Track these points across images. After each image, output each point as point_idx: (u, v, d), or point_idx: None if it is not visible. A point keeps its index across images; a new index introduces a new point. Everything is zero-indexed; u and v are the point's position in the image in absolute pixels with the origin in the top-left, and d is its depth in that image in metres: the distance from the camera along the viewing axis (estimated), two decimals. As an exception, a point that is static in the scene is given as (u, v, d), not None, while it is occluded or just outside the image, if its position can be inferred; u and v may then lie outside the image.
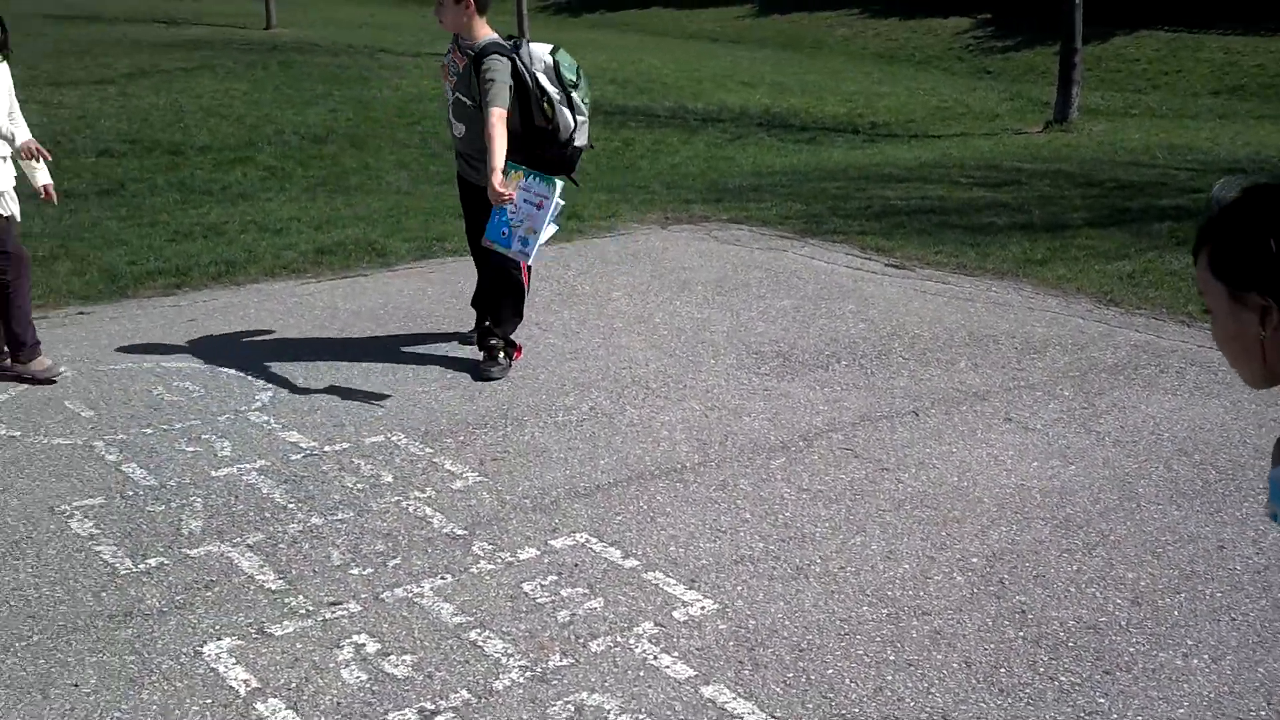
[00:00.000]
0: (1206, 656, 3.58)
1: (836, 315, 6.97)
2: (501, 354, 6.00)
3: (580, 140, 5.95)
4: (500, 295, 6.02)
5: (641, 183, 11.19)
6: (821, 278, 7.80)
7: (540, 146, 5.82)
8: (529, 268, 6.03)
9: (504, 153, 5.47)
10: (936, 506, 4.55)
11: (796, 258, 8.34)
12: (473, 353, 6.18)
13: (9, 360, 5.76)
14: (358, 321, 6.74)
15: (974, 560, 4.15)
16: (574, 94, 5.86)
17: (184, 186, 11.09)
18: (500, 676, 3.44)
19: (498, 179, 5.41)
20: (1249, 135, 14.20)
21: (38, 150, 5.70)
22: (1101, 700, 3.36)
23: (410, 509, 4.48)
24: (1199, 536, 4.32)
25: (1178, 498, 4.63)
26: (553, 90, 5.81)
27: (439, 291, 7.39)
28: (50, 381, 5.69)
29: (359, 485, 4.67)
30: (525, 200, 5.49)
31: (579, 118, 5.91)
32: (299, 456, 4.93)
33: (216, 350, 6.22)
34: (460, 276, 7.73)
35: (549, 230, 5.55)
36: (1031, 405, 5.58)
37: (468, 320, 6.75)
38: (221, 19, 27.05)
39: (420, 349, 6.30)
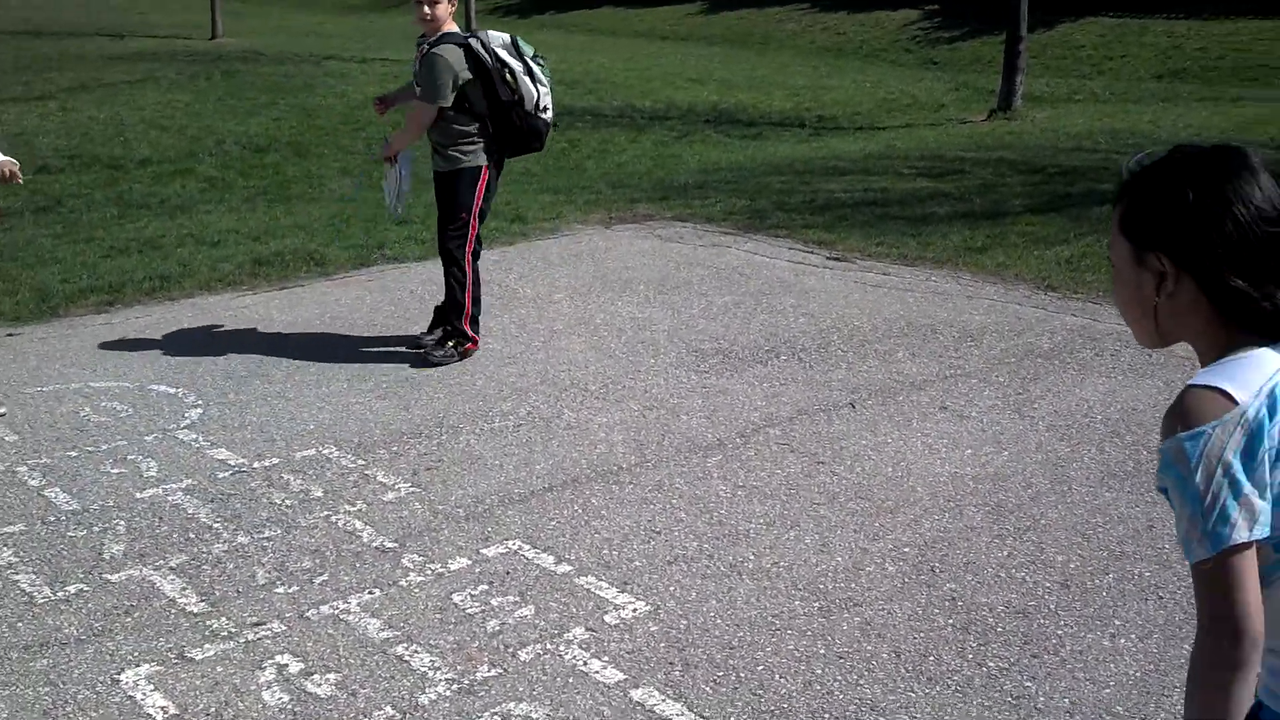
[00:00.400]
0: (1134, 636, 3.58)
1: (777, 310, 6.96)
2: (450, 343, 6.19)
3: (547, 111, 6.25)
4: (448, 283, 6.26)
5: (587, 183, 11.14)
6: (763, 273, 7.79)
7: (509, 121, 6.11)
8: (473, 259, 6.26)
9: (410, 138, 6.27)
10: (870, 498, 4.54)
11: (739, 254, 8.32)
12: (408, 359, 6.14)
13: None
14: (293, 333, 6.67)
15: (906, 550, 4.14)
16: (534, 66, 6.15)
17: (122, 201, 10.93)
18: (426, 690, 3.39)
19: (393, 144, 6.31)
20: (1191, 117, 14.31)
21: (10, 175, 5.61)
22: (1029, 684, 3.36)
23: (340, 523, 4.42)
24: (1129, 517, 4.32)
25: (1109, 480, 4.63)
26: (514, 62, 6.11)
27: (377, 300, 7.32)
28: None
29: (288, 501, 4.61)
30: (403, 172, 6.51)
31: (541, 88, 6.18)
32: (227, 474, 4.86)
33: (147, 368, 6.14)
34: (400, 283, 7.67)
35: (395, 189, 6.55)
36: (967, 393, 5.58)
37: (406, 327, 6.70)
38: (167, 30, 26.79)
39: (356, 359, 6.23)
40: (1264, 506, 1.63)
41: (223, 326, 6.83)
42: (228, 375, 6.01)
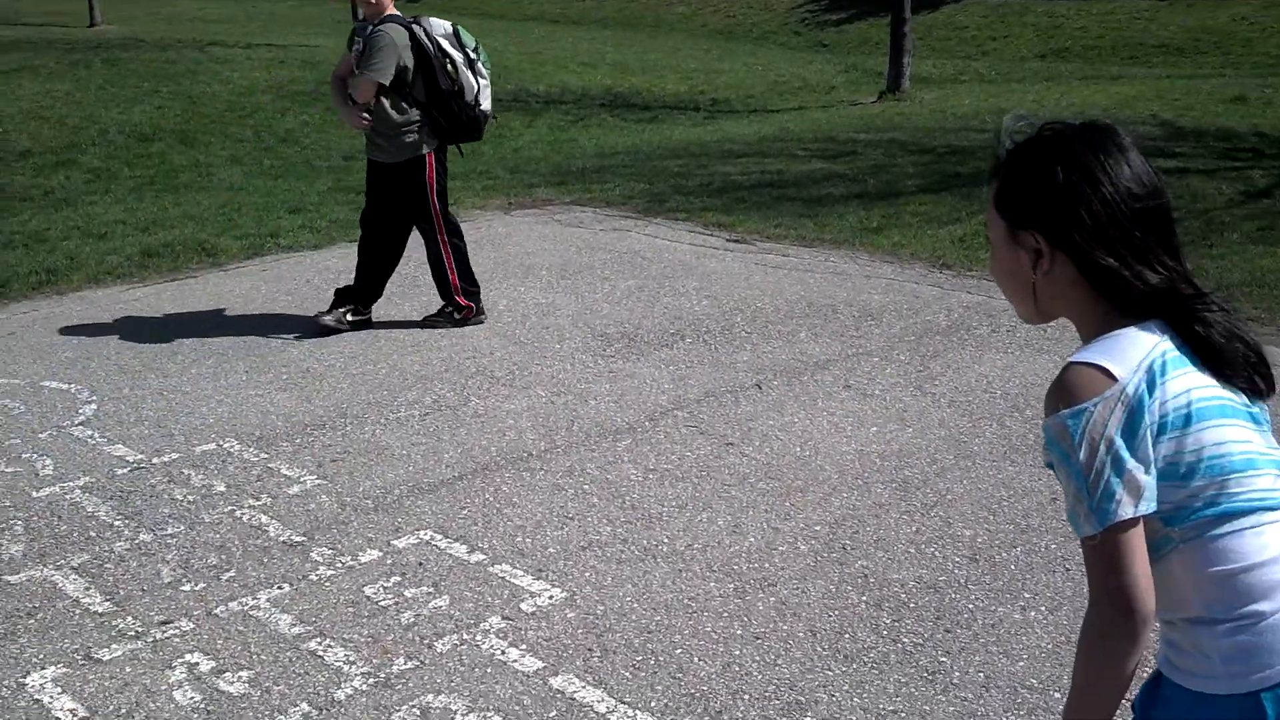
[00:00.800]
0: (1044, 608, 3.67)
1: (680, 293, 6.98)
2: (450, 310, 6.44)
3: (486, 104, 6.32)
4: (437, 262, 6.42)
5: (484, 168, 11.04)
6: (665, 256, 7.80)
7: (450, 110, 6.18)
8: (445, 235, 6.43)
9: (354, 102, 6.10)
10: (780, 478, 4.59)
11: (640, 238, 8.32)
12: (308, 350, 6.04)
13: None
14: (187, 325, 6.51)
15: (817, 528, 4.19)
16: (475, 58, 6.25)
17: (3, 194, 10.56)
18: (342, 685, 3.34)
19: (353, 113, 6.13)
20: (1073, 96, 14.66)
21: None
22: (944, 659, 3.42)
23: (244, 518, 4.33)
24: (1032, 490, 4.43)
25: (1011, 453, 4.74)
26: (455, 53, 6.19)
27: (272, 289, 7.18)
28: None
29: (190, 497, 4.50)
30: None
31: (481, 80, 6.28)
32: (125, 470, 4.73)
33: (38, 364, 5.94)
34: (295, 273, 7.53)
35: None
36: (869, 371, 5.66)
37: (302, 315, 6.58)
38: (41, 18, 25.89)
39: (253, 351, 6.11)
40: (1148, 482, 1.65)
41: (114, 320, 6.65)
42: (121, 370, 5.85)
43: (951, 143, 11.63)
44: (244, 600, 3.78)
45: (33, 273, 7.50)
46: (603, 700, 3.26)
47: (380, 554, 4.07)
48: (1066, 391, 1.67)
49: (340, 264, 7.68)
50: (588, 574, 3.91)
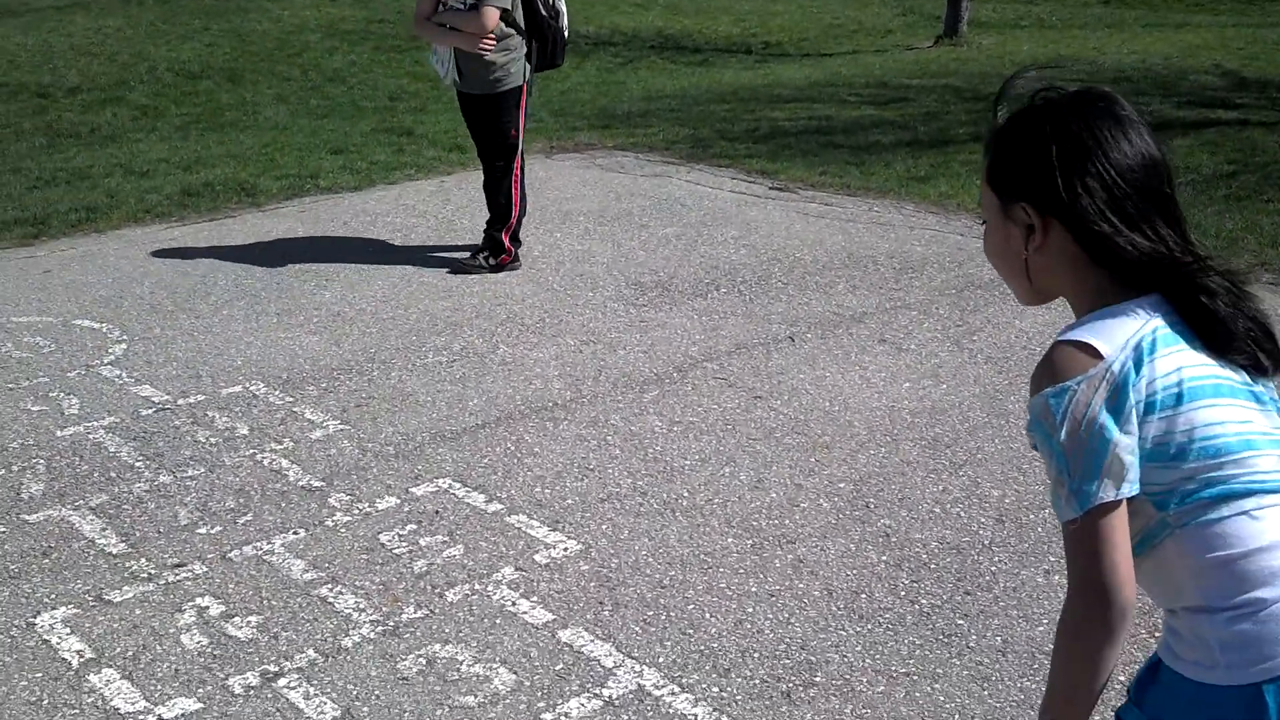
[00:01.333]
0: (1067, 573, 3.57)
1: (718, 242, 6.87)
2: (486, 254, 6.35)
3: (566, 28, 6.53)
4: (505, 191, 6.37)
5: (529, 111, 10.93)
6: (705, 204, 7.68)
7: (546, 37, 6.28)
8: (521, 174, 6.43)
9: (460, 43, 6.10)
10: (806, 433, 4.50)
11: (681, 184, 8.20)
12: (339, 293, 6.02)
13: None
14: (222, 266, 6.50)
15: (841, 485, 4.11)
16: None
17: (51, 130, 10.60)
18: (350, 633, 3.33)
19: (472, 41, 6.05)
20: (1135, 43, 14.27)
21: None
22: (961, 622, 3.34)
23: (265, 462, 4.32)
24: (1064, 451, 4.31)
25: (1045, 413, 4.61)
26: None
27: (308, 231, 7.16)
28: None
29: (212, 439, 4.50)
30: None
31: (562, 6, 6.48)
32: (150, 411, 4.73)
33: (71, 302, 5.96)
34: (333, 215, 7.50)
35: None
36: (907, 326, 5.54)
37: (339, 260, 6.56)
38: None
39: (286, 293, 6.09)
40: (1132, 463, 1.57)
41: (150, 259, 6.65)
42: (154, 309, 5.86)
43: (1007, 90, 11.36)
44: (259, 545, 3.78)
45: (73, 210, 7.52)
46: (610, 655, 3.22)
47: (398, 501, 4.04)
48: (1051, 370, 1.62)
49: (379, 206, 7.64)
50: (604, 527, 3.86)
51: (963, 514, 3.91)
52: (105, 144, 9.83)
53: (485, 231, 6.46)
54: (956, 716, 2.94)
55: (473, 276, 6.31)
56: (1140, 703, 1.71)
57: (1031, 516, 3.88)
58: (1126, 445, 1.57)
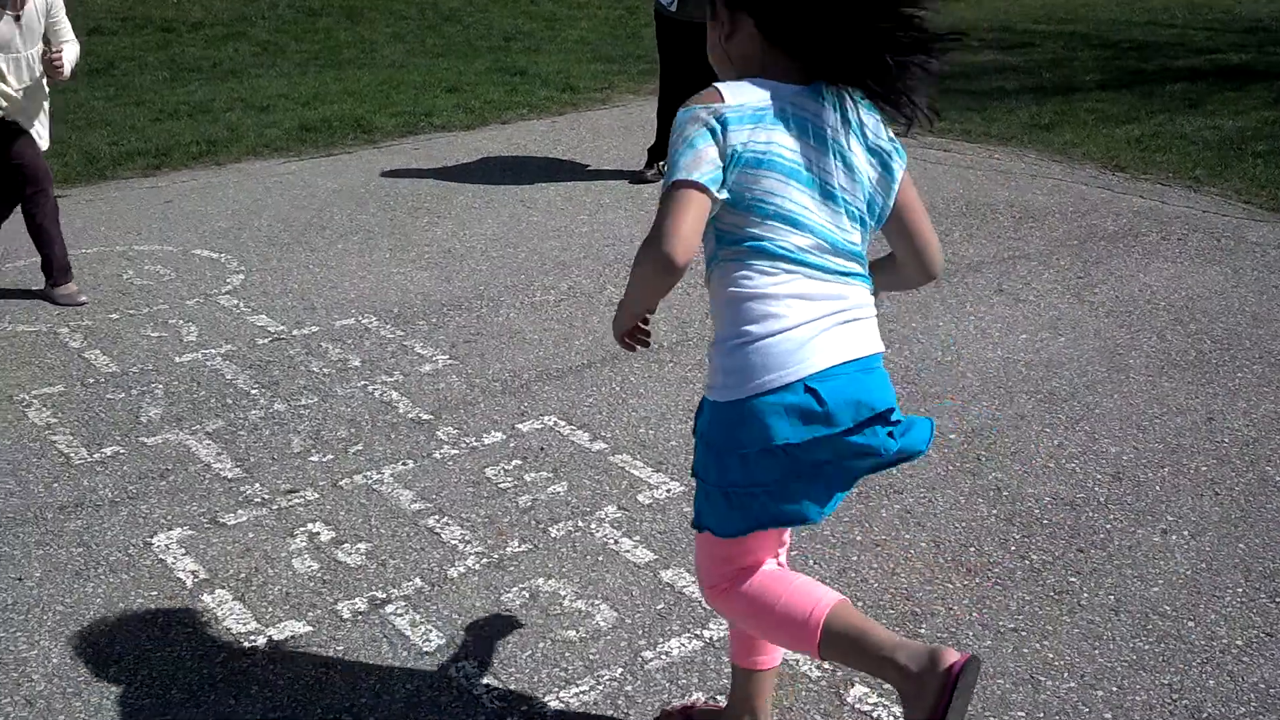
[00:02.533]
0: (1186, 533, 3.46)
1: (831, 186, 6.76)
2: (662, 164, 6.68)
3: None
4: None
5: (642, 52, 10.85)
6: (819, 147, 7.56)
7: None
8: None
9: None
10: (917, 382, 4.42)
11: (795, 127, 8.08)
12: (451, 230, 6.04)
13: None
14: (337, 201, 6.58)
15: (951, 437, 4.02)
16: None
17: (174, 64, 10.83)
18: (455, 563, 3.36)
19: None
20: (1277, -9, 13.67)
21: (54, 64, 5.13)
22: (1073, 579, 3.26)
23: (376, 394, 4.37)
24: (1187, 409, 4.17)
25: (1169, 369, 4.47)
26: None
27: (422, 168, 7.20)
28: (75, 304, 5.22)
29: (325, 370, 4.57)
30: None
31: None
32: (266, 341, 4.82)
33: (191, 233, 6.09)
34: (446, 153, 7.54)
35: None
36: (1025, 276, 5.40)
37: (451, 197, 6.59)
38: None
39: (399, 229, 6.14)
40: (712, 166, 2.03)
41: (268, 192, 6.76)
42: (270, 242, 5.95)
43: (1136, 37, 10.98)
44: (368, 474, 3.82)
45: (194, 142, 7.67)
46: (712, 597, 3.19)
47: (504, 437, 4.06)
48: (695, 97, 2.11)
49: (491, 145, 7.66)
50: (708, 469, 3.83)
51: (1078, 470, 3.81)
52: (226, 79, 10.00)
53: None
54: (1065, 674, 2.87)
55: (581, 216, 6.30)
56: (694, 431, 2.31)
57: (1149, 474, 3.77)
58: (710, 157, 2.04)
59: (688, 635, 3.03)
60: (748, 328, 2.12)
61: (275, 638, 3.03)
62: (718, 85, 2.10)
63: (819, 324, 2.14)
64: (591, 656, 2.95)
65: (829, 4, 2.07)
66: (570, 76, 9.59)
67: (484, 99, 8.91)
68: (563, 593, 3.23)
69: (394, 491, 3.73)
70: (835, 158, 2.13)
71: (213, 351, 4.73)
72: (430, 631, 3.05)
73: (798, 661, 2.92)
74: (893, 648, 2.16)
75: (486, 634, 3.04)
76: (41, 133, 5.26)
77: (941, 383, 4.40)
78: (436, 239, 5.98)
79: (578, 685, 2.85)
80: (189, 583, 3.26)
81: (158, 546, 3.43)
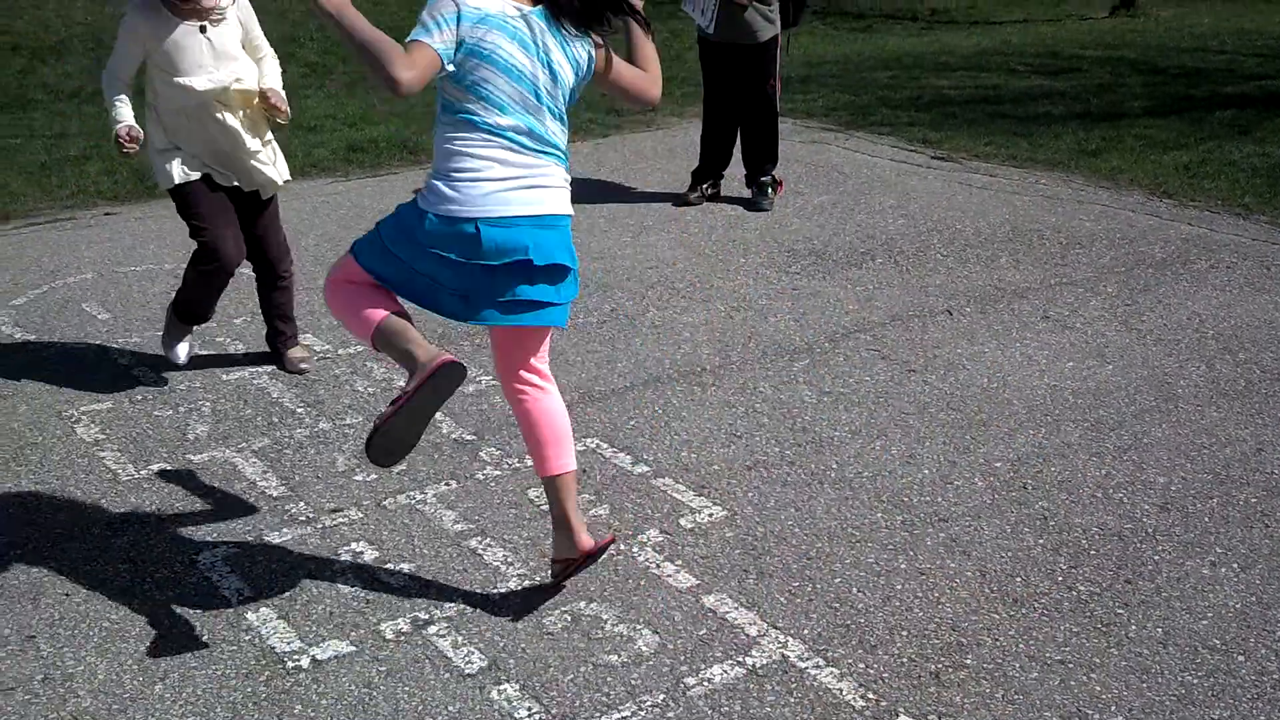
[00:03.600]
0: (1235, 565, 3.41)
1: (876, 210, 6.74)
2: (770, 189, 6.84)
3: None
4: (769, 136, 6.84)
5: (686, 75, 10.87)
6: (863, 172, 7.55)
7: None
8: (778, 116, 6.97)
9: None
10: (963, 409, 4.39)
11: (840, 151, 8.07)
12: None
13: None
14: (383, 221, 6.62)
15: (997, 465, 3.99)
16: None
17: (224, 85, 10.97)
18: (497, 585, 3.36)
19: None
20: (1328, 16, 13.55)
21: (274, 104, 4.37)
22: (1120, 611, 3.22)
23: (420, 413, 4.39)
24: (1237, 439, 4.12)
25: (1218, 398, 4.42)
26: None
27: (468, 190, 7.24)
28: (298, 373, 4.77)
29: (370, 389, 4.59)
30: None
31: None
32: (313, 359, 4.85)
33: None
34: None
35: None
36: (1072, 302, 5.35)
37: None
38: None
39: (445, 249, 6.18)
40: (444, 35, 2.79)
41: (314, 211, 6.82)
42: (317, 261, 6.00)
43: (1185, 63, 10.90)
44: (412, 494, 3.84)
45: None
46: (754, 623, 3.18)
47: (546, 458, 4.06)
48: None
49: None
50: (750, 494, 3.83)
51: (1126, 499, 3.77)
52: (275, 99, 10.10)
53: (755, 178, 6.88)
54: (1113, 708, 2.84)
55: (624, 239, 6.32)
56: (378, 225, 3.09)
57: (1198, 505, 3.72)
58: (447, 38, 2.80)
59: (730, 662, 3.02)
60: (453, 170, 2.92)
61: (319, 657, 3.04)
62: None
63: (504, 183, 2.92)
64: (633, 681, 2.94)
65: None
66: (613, 101, 9.62)
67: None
68: (605, 616, 3.22)
69: (437, 512, 3.74)
70: (543, 67, 2.93)
71: (260, 370, 4.77)
72: (472, 653, 3.05)
73: (841, 690, 2.91)
74: (415, 343, 2.97)
75: (528, 657, 3.04)
76: (275, 173, 4.55)
77: (987, 410, 4.37)
78: (481, 260, 6.01)
79: (619, 710, 2.84)
80: (234, 600, 3.28)
81: (203, 564, 3.45)
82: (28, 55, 12.02)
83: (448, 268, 2.94)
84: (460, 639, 3.11)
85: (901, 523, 3.66)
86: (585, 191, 7.14)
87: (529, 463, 4.03)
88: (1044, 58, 11.53)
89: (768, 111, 6.84)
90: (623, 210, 6.81)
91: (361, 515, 3.72)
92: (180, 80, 4.25)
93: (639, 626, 3.17)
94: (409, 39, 2.77)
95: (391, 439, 2.95)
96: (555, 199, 3.01)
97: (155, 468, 4.00)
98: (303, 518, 3.70)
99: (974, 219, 6.53)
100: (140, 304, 5.46)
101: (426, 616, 3.22)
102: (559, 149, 3.02)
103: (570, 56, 2.98)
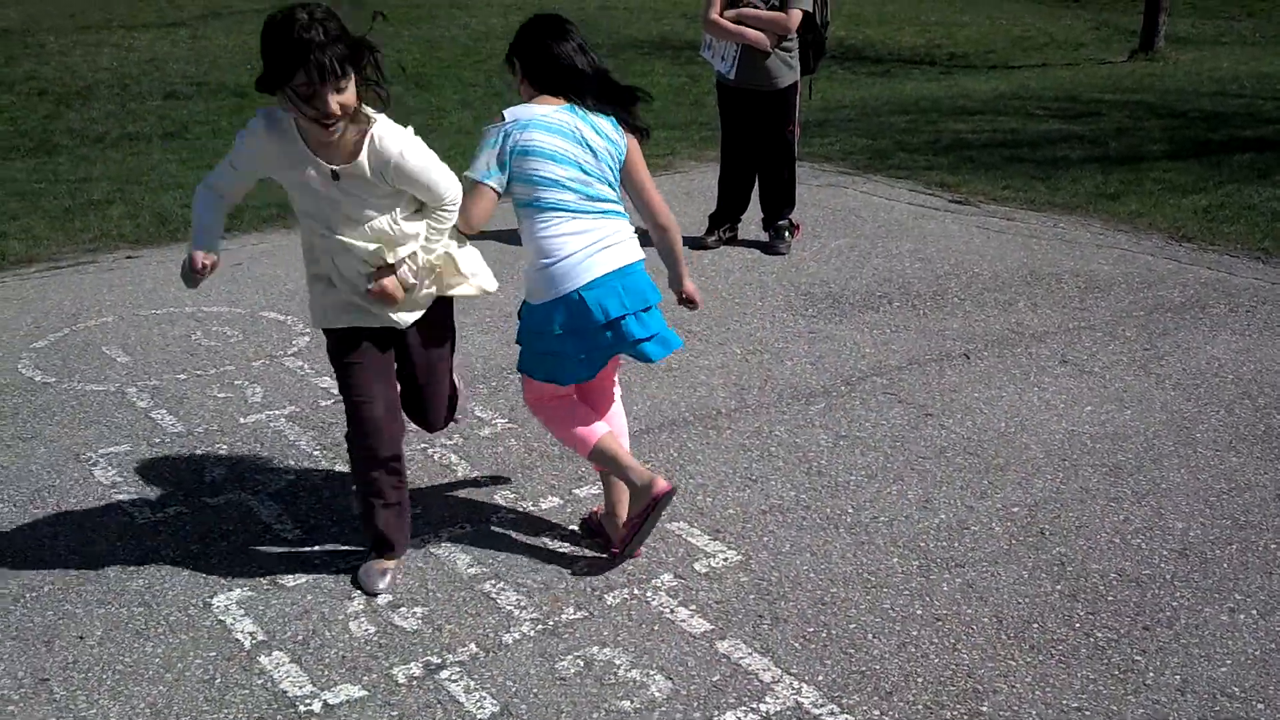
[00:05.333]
0: (1255, 612, 3.38)
1: (892, 254, 6.75)
2: (787, 232, 6.89)
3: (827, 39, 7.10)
4: (787, 180, 6.93)
5: (704, 119, 10.94)
6: (881, 215, 7.56)
7: (822, 38, 6.85)
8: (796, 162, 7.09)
9: (756, 40, 6.60)
10: (980, 454, 4.37)
11: (856, 195, 8.09)
12: (514, 294, 6.09)
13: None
14: (402, 264, 6.66)
15: (1014, 510, 3.97)
16: None
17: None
18: (511, 629, 3.35)
19: (794, 17, 6.55)
20: (1347, 60, 13.54)
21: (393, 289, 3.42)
22: (1138, 658, 3.19)
23: (436, 457, 4.40)
24: (1256, 484, 4.09)
25: (1237, 443, 4.39)
26: None
27: (486, 231, 7.26)
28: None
29: (386, 432, 4.60)
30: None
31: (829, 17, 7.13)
32: (329, 403, 4.87)
33: (259, 294, 6.19)
34: (510, 219, 7.60)
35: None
36: (1090, 347, 5.34)
37: (513, 261, 6.64)
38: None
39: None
40: (495, 170, 3.42)
41: (334, 255, 6.86)
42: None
43: (1204, 107, 10.90)
44: (425, 537, 3.84)
45: (265, 205, 7.81)
46: (768, 669, 3.16)
47: (561, 502, 4.06)
48: (492, 119, 3.48)
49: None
50: (765, 538, 3.81)
51: (1144, 545, 3.74)
52: (297, 144, 10.20)
53: (773, 222, 6.93)
54: (1131, 758, 2.80)
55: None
56: (520, 314, 3.63)
57: (1217, 551, 3.69)
58: (492, 159, 3.40)
59: (744, 709, 3.00)
60: (541, 259, 3.46)
61: (331, 702, 3.03)
62: (506, 111, 3.48)
63: (584, 251, 3.43)
64: (645, 728, 2.92)
65: (564, 74, 3.52)
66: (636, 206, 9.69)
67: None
68: (618, 662, 3.21)
69: (451, 555, 3.73)
70: (583, 148, 3.47)
71: (277, 413, 4.79)
72: (484, 699, 3.04)
73: (855, 738, 2.87)
74: (631, 468, 3.55)
75: (541, 702, 3.02)
76: (476, 281, 3.65)
77: (1005, 455, 4.35)
78: (497, 302, 6.02)
79: (631, 757, 2.81)
80: (247, 644, 3.28)
81: (217, 607, 3.45)
82: (54, 100, 12.20)
83: (585, 339, 3.48)
84: (472, 684, 3.10)
85: (917, 568, 3.64)
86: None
87: (543, 506, 4.04)
88: (1063, 101, 11.55)
89: (786, 156, 6.89)
90: (640, 254, 6.83)
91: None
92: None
93: (652, 672, 3.16)
94: (467, 173, 3.45)
95: (625, 559, 3.66)
96: (629, 249, 3.53)
97: (172, 510, 4.02)
98: (317, 561, 3.70)
99: (992, 262, 6.53)
100: (160, 347, 5.50)
101: (439, 661, 3.21)
102: (615, 203, 3.55)
103: (603, 134, 3.51)
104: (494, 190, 3.41)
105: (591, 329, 3.44)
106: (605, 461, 3.59)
